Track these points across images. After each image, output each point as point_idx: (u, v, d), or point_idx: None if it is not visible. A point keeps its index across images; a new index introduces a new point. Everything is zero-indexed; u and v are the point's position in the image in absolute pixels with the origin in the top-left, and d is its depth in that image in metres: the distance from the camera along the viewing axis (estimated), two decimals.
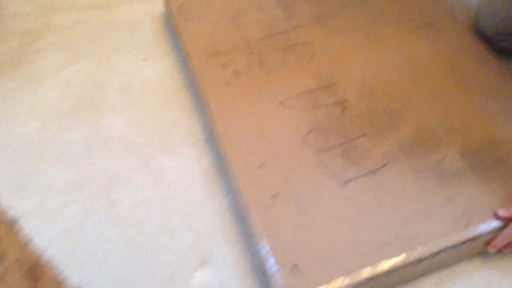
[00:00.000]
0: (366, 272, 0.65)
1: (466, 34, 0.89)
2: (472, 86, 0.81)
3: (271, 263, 0.67)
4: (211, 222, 0.80)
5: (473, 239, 0.66)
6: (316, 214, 0.71)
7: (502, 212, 0.66)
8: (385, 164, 0.74)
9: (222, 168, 0.86)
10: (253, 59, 0.91)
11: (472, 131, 0.76)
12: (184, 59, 1.01)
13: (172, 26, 1.04)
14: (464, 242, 0.66)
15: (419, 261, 0.65)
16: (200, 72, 0.91)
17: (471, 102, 0.79)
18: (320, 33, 0.93)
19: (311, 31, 0.94)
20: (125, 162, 0.89)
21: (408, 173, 0.73)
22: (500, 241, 0.67)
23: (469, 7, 1.02)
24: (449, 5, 0.94)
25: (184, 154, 0.89)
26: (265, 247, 0.69)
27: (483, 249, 0.70)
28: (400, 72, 0.85)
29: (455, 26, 0.90)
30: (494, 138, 0.75)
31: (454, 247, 0.66)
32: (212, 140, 0.90)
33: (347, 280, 0.65)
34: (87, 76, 1.03)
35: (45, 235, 0.79)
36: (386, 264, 0.65)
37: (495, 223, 0.67)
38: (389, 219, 0.69)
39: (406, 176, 0.73)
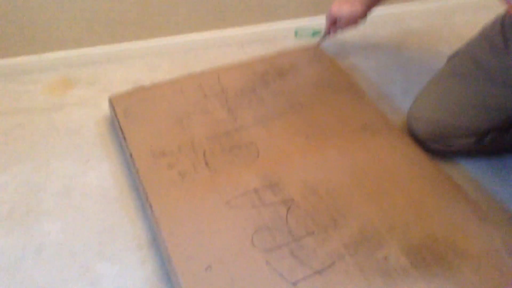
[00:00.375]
0: None
1: (398, 136, 0.95)
2: (407, 186, 0.85)
3: None
4: None
5: None
6: None
7: None
8: (332, 264, 0.74)
9: (167, 274, 0.82)
10: (198, 159, 0.92)
11: (412, 229, 0.78)
12: (128, 162, 1.00)
13: (117, 128, 1.04)
14: None
15: None
16: (144, 173, 0.91)
17: (408, 201, 0.83)
18: (263, 134, 0.96)
19: (255, 133, 0.97)
20: (60, 272, 0.83)
21: (355, 272, 0.73)
22: None
23: (400, 111, 1.10)
24: (380, 110, 1.01)
25: (125, 260, 0.85)
26: None
27: None
28: (340, 173, 0.88)
29: (387, 129, 0.97)
30: (433, 235, 0.77)
31: None
32: (157, 244, 0.87)
33: None
34: (24, 181, 0.99)
35: None
36: None
37: None
38: None
39: (353, 276, 0.73)
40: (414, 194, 0.84)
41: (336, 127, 0.97)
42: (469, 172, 0.97)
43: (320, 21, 1.20)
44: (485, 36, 0.97)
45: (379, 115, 1.00)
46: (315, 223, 0.80)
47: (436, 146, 0.97)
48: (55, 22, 1.20)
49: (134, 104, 1.06)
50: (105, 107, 1.15)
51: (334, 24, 1.13)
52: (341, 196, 0.84)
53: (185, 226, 0.81)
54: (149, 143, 0.97)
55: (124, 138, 0.99)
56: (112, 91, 1.13)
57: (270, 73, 1.12)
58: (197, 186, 0.87)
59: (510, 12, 0.92)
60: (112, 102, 1.07)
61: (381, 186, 0.86)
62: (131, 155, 0.95)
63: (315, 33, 1.18)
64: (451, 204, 0.82)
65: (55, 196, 0.96)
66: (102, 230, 0.90)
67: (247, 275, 0.74)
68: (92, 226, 0.91)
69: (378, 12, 1.15)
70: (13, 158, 1.04)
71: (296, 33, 1.18)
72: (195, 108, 1.04)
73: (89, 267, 0.84)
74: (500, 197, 0.92)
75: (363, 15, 1.10)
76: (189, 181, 0.89)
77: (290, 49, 1.21)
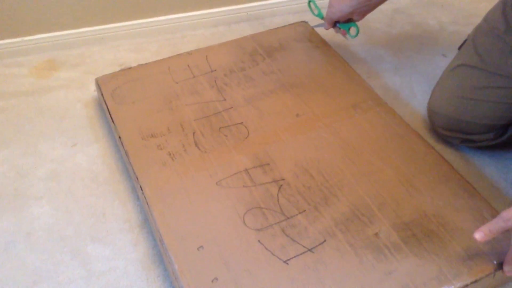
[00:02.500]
0: None
1: (389, 114, 0.95)
2: (398, 163, 0.85)
3: None
4: None
5: None
6: None
7: (479, 237, 0.67)
8: (323, 242, 0.75)
9: (159, 255, 0.82)
10: (188, 140, 0.91)
11: (402, 206, 0.79)
12: (117, 144, 0.99)
13: (105, 110, 1.03)
14: None
15: None
16: (133, 155, 0.90)
17: (398, 178, 0.83)
18: (253, 114, 0.96)
19: (244, 113, 0.96)
20: (51, 255, 0.83)
21: (346, 249, 0.73)
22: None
23: (391, 89, 1.10)
24: (371, 88, 1.01)
25: (117, 242, 0.85)
26: None
27: None
28: (331, 151, 0.88)
29: (378, 107, 0.96)
30: (423, 211, 0.78)
31: None
32: (148, 225, 0.86)
33: None
34: (11, 166, 0.98)
35: None
36: None
37: None
38: None
39: (344, 253, 0.73)
40: (404, 171, 0.84)
41: (326, 106, 0.97)
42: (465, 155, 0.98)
43: None
44: (487, 20, 0.93)
45: (370, 93, 1.00)
46: (306, 201, 0.80)
47: (457, 141, 0.95)
48: (39, 3, 1.17)
49: (121, 85, 1.05)
50: (91, 89, 1.14)
51: (333, 22, 1.08)
52: (332, 174, 0.84)
53: (176, 206, 0.81)
54: (138, 124, 0.96)
55: (112, 120, 0.97)
56: (98, 72, 1.11)
57: (259, 52, 1.11)
58: (187, 167, 0.87)
59: None
60: (99, 84, 1.06)
61: (372, 163, 0.86)
62: (120, 137, 0.94)
63: (319, 15, 1.13)
64: (441, 180, 0.83)
65: (44, 180, 0.95)
66: (93, 213, 0.89)
67: (239, 254, 0.74)
68: (82, 209, 0.90)
69: None
70: (0, 142, 1.03)
71: (309, 3, 1.13)
72: (183, 88, 1.03)
73: (80, 250, 0.84)
74: (492, 175, 0.93)
75: (349, 14, 1.04)
76: (179, 162, 0.88)
77: (278, 28, 1.19)
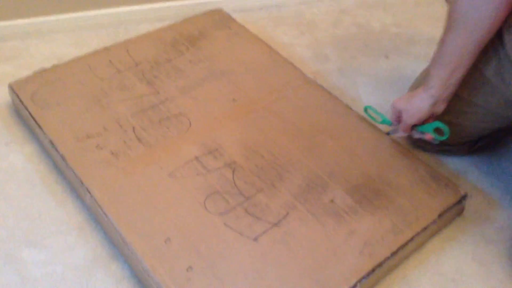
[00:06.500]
0: None
1: (318, 91, 1.01)
2: (336, 135, 0.91)
3: None
4: None
5: (379, 265, 0.73)
6: (236, 279, 0.70)
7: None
8: (286, 215, 0.78)
9: (100, 258, 0.79)
10: (129, 136, 0.89)
11: (349, 172, 0.85)
12: (46, 147, 0.93)
13: (24, 116, 0.96)
14: (373, 270, 0.72)
15: None
16: (72, 158, 0.85)
17: (340, 148, 0.89)
18: (191, 104, 0.96)
19: (181, 103, 0.96)
20: None
21: (308, 218, 0.78)
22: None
23: (337, 89, 1.11)
24: (297, 68, 1.05)
25: (54, 246, 0.80)
26: None
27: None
28: (274, 130, 0.91)
29: (307, 84, 1.02)
30: (368, 174, 0.85)
31: (366, 276, 0.71)
32: (89, 227, 0.83)
33: None
34: None
35: None
36: None
37: (393, 247, 0.75)
38: (305, 267, 0.72)
39: (307, 222, 0.77)
40: (344, 141, 0.90)
41: (259, 88, 1.00)
42: None
43: None
44: None
45: (297, 73, 1.05)
46: (262, 180, 0.83)
47: (432, 150, 0.96)
48: None
49: (40, 88, 0.98)
50: (3, 93, 1.04)
51: (400, 119, 0.87)
52: (280, 152, 0.87)
53: (132, 204, 0.79)
54: (68, 127, 0.91)
55: (39, 126, 0.91)
56: (35, 67, 1.03)
57: (181, 41, 1.11)
58: (134, 163, 0.85)
59: None
60: (14, 90, 0.98)
61: (314, 137, 0.91)
62: (51, 142, 0.88)
63: (384, 121, 0.92)
64: (376, 145, 0.90)
65: None
66: (27, 216, 0.84)
67: (208, 240, 0.74)
68: (16, 211, 0.84)
69: None
70: None
71: (365, 110, 0.94)
72: (110, 85, 0.99)
73: (14, 254, 0.79)
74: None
75: (430, 111, 0.82)
76: (124, 159, 0.85)
77: (194, 16, 1.19)
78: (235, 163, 0.85)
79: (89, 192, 0.80)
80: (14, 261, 0.78)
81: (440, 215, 0.79)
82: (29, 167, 0.91)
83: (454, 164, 0.96)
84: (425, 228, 0.78)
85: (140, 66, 1.04)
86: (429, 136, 0.85)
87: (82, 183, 0.82)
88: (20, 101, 0.96)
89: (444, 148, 0.95)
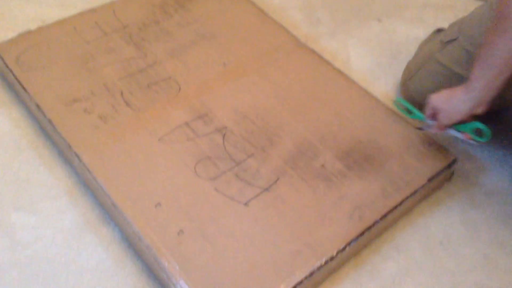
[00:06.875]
0: (287, 284, 0.67)
1: (309, 55, 0.99)
2: (326, 99, 0.91)
3: None
4: (77, 284, 0.72)
5: (368, 228, 0.74)
6: (227, 242, 0.71)
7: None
8: (277, 180, 0.78)
9: (90, 222, 0.79)
10: (117, 100, 0.87)
11: (339, 136, 0.85)
12: (33, 111, 0.91)
13: (11, 80, 0.94)
14: (362, 233, 0.73)
15: (331, 259, 0.70)
16: (59, 123, 0.84)
17: (330, 113, 0.88)
18: (180, 67, 0.94)
19: (170, 67, 0.94)
20: None
21: (299, 183, 0.78)
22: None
23: (327, 52, 1.09)
24: (289, 32, 1.03)
25: (43, 210, 0.80)
26: (183, 287, 0.66)
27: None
28: (264, 95, 0.90)
29: (298, 48, 1.00)
30: (358, 139, 0.85)
31: (356, 239, 0.72)
32: (78, 192, 0.82)
33: None
34: None
35: None
36: (303, 271, 0.68)
37: (383, 211, 0.75)
38: (295, 230, 0.72)
39: (298, 187, 0.77)
40: (333, 106, 0.90)
41: (250, 52, 0.98)
42: None
43: None
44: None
45: (288, 36, 1.03)
46: (252, 145, 0.82)
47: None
48: None
49: (25, 51, 0.95)
50: None
51: (435, 117, 0.82)
52: (270, 117, 0.87)
53: (121, 169, 0.78)
54: (55, 90, 0.89)
55: (25, 90, 0.89)
56: (18, 29, 1.00)
57: (169, 3, 1.07)
58: (123, 128, 0.84)
59: None
60: None
61: (304, 102, 0.90)
62: (38, 106, 0.86)
63: (416, 116, 0.86)
64: (367, 110, 0.90)
65: None
66: (16, 180, 0.83)
67: (199, 205, 0.74)
68: (4, 176, 0.83)
69: None
70: None
71: (395, 102, 0.90)
72: (97, 48, 0.97)
73: (3, 219, 0.78)
74: None
75: (469, 114, 0.77)
76: (113, 124, 0.84)
77: None
78: (226, 128, 0.84)
79: (78, 157, 0.80)
80: (4, 225, 0.77)
81: (429, 180, 0.80)
82: (16, 131, 0.90)
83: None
84: (414, 193, 0.78)
85: (128, 29, 1.01)
86: (467, 136, 0.80)
87: (70, 147, 0.81)
88: (5, 64, 0.93)
89: None
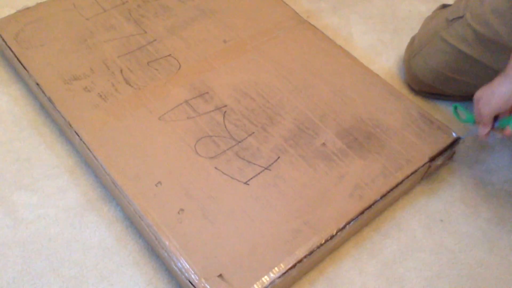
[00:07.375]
0: (287, 263, 0.67)
1: (311, 31, 0.98)
2: (328, 77, 0.90)
3: (194, 279, 0.65)
4: (79, 262, 0.73)
5: (369, 207, 0.74)
6: (227, 221, 0.71)
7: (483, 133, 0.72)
8: (277, 159, 0.78)
9: (92, 201, 0.79)
10: (117, 78, 0.87)
11: (340, 114, 0.84)
12: (33, 89, 0.91)
13: (9, 58, 0.93)
14: (362, 212, 0.73)
15: (331, 237, 0.70)
16: (59, 101, 0.83)
17: (331, 90, 0.88)
18: (180, 45, 0.93)
19: (170, 44, 0.93)
20: None
21: (299, 162, 0.78)
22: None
23: (328, 27, 1.08)
24: (290, 8, 1.02)
25: (45, 189, 0.80)
26: (184, 265, 0.66)
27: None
28: (265, 72, 0.89)
29: (299, 24, 0.98)
30: (359, 117, 0.84)
31: (356, 218, 0.72)
32: (80, 170, 0.82)
33: (272, 276, 0.66)
34: None
35: None
36: (303, 250, 0.69)
37: (383, 190, 0.75)
38: (295, 209, 0.73)
39: (298, 166, 0.77)
40: (335, 83, 0.89)
41: (250, 29, 0.97)
42: None
43: None
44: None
45: (290, 12, 1.01)
46: (252, 123, 0.82)
47: (433, 98, 0.96)
48: None
49: (24, 28, 0.94)
50: None
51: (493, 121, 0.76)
52: (271, 94, 0.86)
53: (121, 147, 0.78)
54: (54, 68, 0.88)
55: (24, 67, 0.88)
56: (16, 5, 0.99)
57: None
58: (123, 106, 0.83)
59: None
60: None
61: (305, 79, 0.89)
62: (38, 84, 0.86)
63: (468, 119, 0.80)
64: (369, 88, 0.89)
65: None
66: (17, 159, 0.83)
67: (199, 183, 0.74)
68: (4, 155, 0.84)
69: None
70: None
71: (454, 108, 0.82)
72: (96, 24, 0.96)
73: (5, 197, 0.79)
74: None
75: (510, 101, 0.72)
76: (113, 102, 0.84)
77: None
78: (226, 106, 0.84)
79: (78, 135, 0.79)
80: (5, 204, 0.78)
81: (431, 158, 0.80)
82: (16, 109, 0.90)
83: (448, 107, 0.95)
84: (415, 171, 0.78)
85: (127, 5, 1.00)
86: (510, 131, 0.72)
87: (70, 126, 0.81)
88: (4, 41, 0.92)
89: (446, 99, 0.94)
